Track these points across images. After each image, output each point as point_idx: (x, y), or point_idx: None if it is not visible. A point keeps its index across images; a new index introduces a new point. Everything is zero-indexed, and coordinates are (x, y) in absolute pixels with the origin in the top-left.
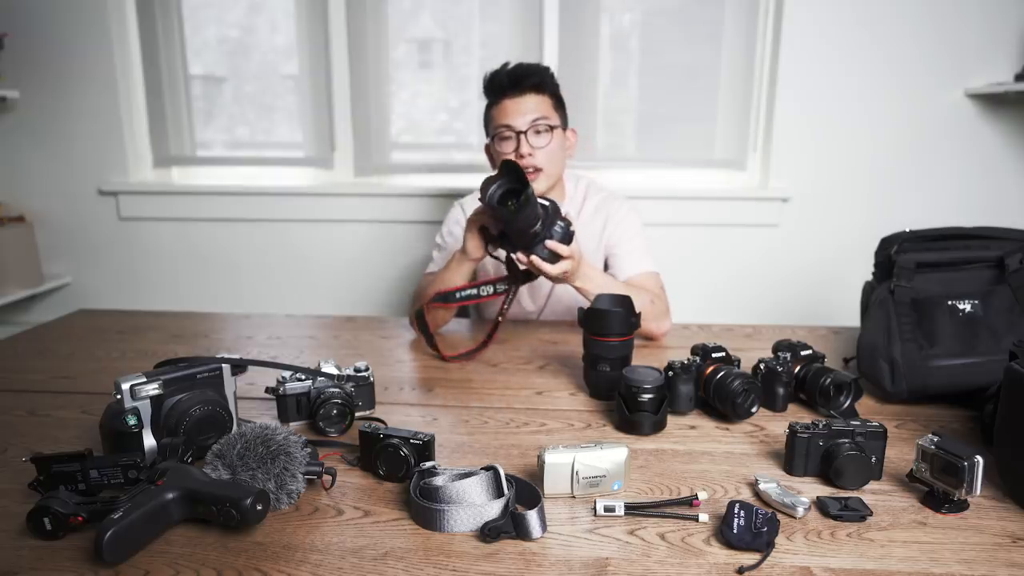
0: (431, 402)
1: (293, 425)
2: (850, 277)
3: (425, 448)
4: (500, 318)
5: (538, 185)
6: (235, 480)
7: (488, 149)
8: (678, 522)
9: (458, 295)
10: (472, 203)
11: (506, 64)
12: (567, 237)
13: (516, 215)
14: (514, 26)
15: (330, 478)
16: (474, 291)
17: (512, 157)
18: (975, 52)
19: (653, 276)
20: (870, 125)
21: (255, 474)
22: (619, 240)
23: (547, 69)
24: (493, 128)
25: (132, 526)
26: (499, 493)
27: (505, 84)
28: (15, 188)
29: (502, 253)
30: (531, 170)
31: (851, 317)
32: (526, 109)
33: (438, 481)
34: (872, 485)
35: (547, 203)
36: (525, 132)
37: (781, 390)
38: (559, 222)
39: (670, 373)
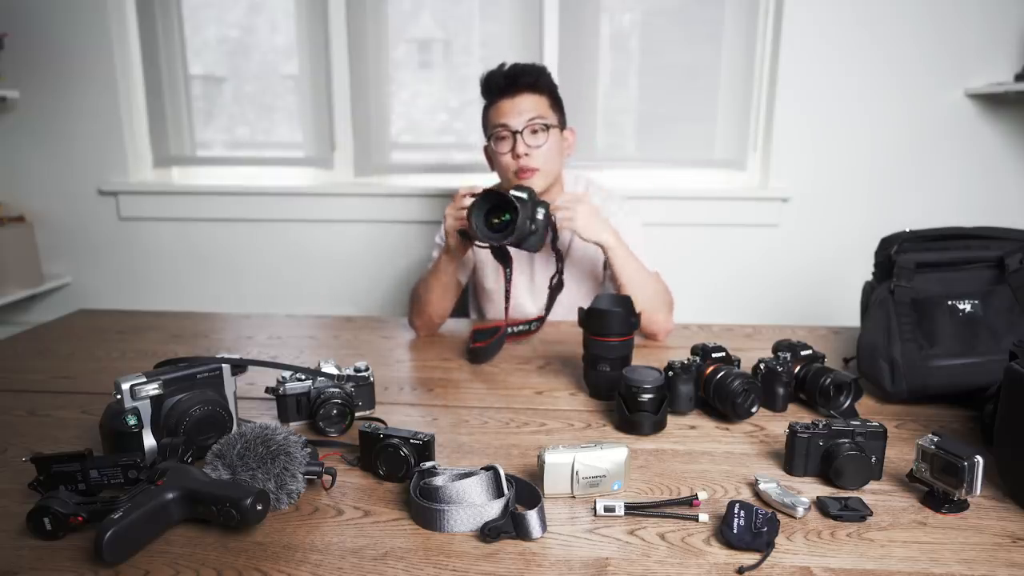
0: (431, 402)
1: (293, 425)
2: (850, 277)
3: (425, 448)
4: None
5: (535, 183)
6: (235, 480)
7: (487, 150)
8: (678, 522)
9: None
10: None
11: (502, 64)
12: (547, 220)
13: (511, 238)
14: (514, 26)
15: (330, 478)
16: (508, 330)
17: (509, 157)
18: (975, 52)
19: (656, 276)
20: (870, 125)
21: (255, 474)
22: None
23: (543, 68)
24: (490, 128)
25: (132, 526)
26: (499, 493)
27: (501, 84)
28: (15, 188)
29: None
30: (527, 169)
31: (851, 317)
32: (522, 109)
33: (438, 481)
34: (872, 485)
35: (524, 197)
36: (521, 132)
37: (781, 390)
38: (539, 209)
39: (670, 373)
